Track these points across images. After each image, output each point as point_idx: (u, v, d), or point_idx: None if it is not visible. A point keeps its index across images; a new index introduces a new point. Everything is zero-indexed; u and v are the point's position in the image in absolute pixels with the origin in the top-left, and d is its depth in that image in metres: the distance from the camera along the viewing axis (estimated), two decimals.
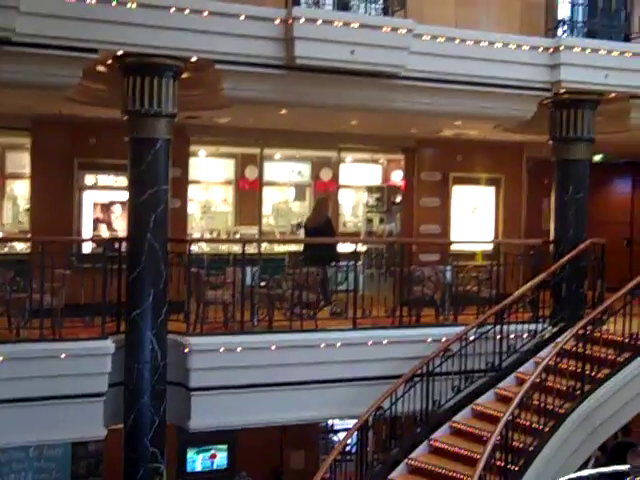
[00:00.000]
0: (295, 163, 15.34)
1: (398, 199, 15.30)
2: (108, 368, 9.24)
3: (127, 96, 9.24)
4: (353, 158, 15.23)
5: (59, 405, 9.03)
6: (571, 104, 11.19)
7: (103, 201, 12.55)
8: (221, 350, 9.58)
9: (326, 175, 15.10)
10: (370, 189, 15.79)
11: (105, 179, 12.67)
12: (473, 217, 14.85)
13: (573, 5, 11.20)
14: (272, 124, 12.54)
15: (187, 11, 8.97)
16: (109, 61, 9.29)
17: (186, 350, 9.47)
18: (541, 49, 10.73)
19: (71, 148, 12.17)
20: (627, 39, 11.32)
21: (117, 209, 12.49)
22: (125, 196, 9.69)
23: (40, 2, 8.37)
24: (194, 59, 9.24)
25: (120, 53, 8.97)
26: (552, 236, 11.50)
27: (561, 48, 10.64)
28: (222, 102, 10.00)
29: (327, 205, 12.92)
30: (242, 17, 9.24)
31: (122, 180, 11.85)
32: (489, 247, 13.51)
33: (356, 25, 9.57)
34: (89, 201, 12.45)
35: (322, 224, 12.27)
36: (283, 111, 10.88)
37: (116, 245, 9.86)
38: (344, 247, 12.42)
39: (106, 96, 10.07)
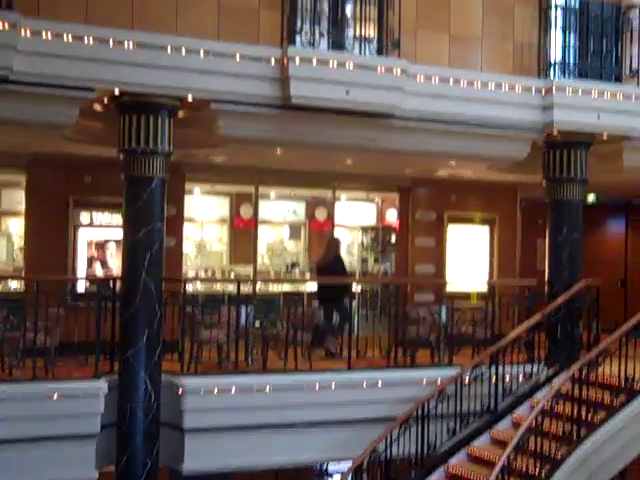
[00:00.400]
0: (290, 202, 15.39)
1: (393, 239, 15.31)
2: (101, 409, 9.13)
3: (123, 134, 9.28)
4: (348, 197, 15.26)
5: (50, 446, 8.90)
6: (564, 145, 11.26)
7: (98, 239, 12.51)
8: (215, 391, 9.49)
9: (321, 214, 15.14)
10: (365, 229, 15.81)
11: (100, 217, 12.65)
12: (468, 257, 14.83)
13: (565, 47, 11.29)
14: (267, 163, 12.58)
15: (184, 51, 9.04)
16: (105, 100, 9.33)
17: (180, 391, 9.38)
18: (534, 90, 10.82)
19: (66, 186, 12.16)
20: (618, 81, 11.42)
21: (112, 247, 12.45)
22: (120, 234, 9.67)
23: (38, 41, 8.43)
24: (190, 98, 9.29)
25: (117, 92, 9.01)
26: (547, 277, 11.50)
27: (553, 89, 10.74)
28: (218, 141, 10.03)
29: (338, 245, 13.00)
30: (238, 57, 9.30)
31: (117, 218, 11.83)
32: (484, 287, 13.48)
33: (351, 65, 9.63)
34: (84, 239, 12.41)
35: (332, 263, 12.31)
36: (278, 150, 10.92)
37: (111, 284, 9.81)
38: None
39: (102, 134, 10.09)
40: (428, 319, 11.26)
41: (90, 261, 12.41)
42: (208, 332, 10.12)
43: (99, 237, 12.51)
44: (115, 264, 12.13)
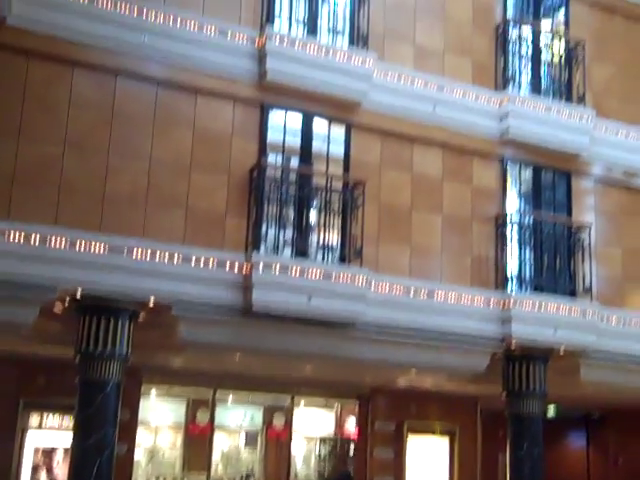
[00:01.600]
0: (248, 407, 15.04)
1: (351, 449, 14.91)
2: None
3: (81, 336, 9.16)
4: (306, 404, 14.99)
5: None
6: (523, 358, 11.38)
7: (45, 445, 11.99)
8: None
9: (279, 421, 14.78)
10: (323, 439, 15.40)
11: (51, 420, 12.21)
12: (428, 469, 14.45)
13: (521, 262, 11.65)
14: (226, 367, 12.42)
15: (149, 254, 9.15)
16: (67, 301, 9.27)
17: None
18: (492, 303, 11.05)
19: (18, 387, 11.84)
20: (573, 295, 11.71)
21: (59, 454, 11.93)
22: (70, 439, 9.28)
23: (4, 243, 8.50)
24: (152, 302, 9.28)
25: (79, 294, 8.98)
26: None
27: (510, 303, 10.98)
28: (178, 345, 9.91)
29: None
30: (202, 262, 9.44)
31: (69, 421, 11.44)
32: None
33: (313, 273, 9.79)
34: (31, 443, 11.90)
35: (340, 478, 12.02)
36: (237, 356, 10.81)
37: None
38: None
39: (59, 335, 9.95)
40: None
41: (36, 469, 11.83)
42: None
43: (48, 442, 12.00)
44: (62, 471, 11.56)
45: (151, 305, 9.29)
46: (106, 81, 9.43)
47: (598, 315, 11.48)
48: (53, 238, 8.71)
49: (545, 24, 12.70)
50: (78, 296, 9.00)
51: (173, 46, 9.72)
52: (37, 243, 8.64)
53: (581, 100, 12.33)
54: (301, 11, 10.75)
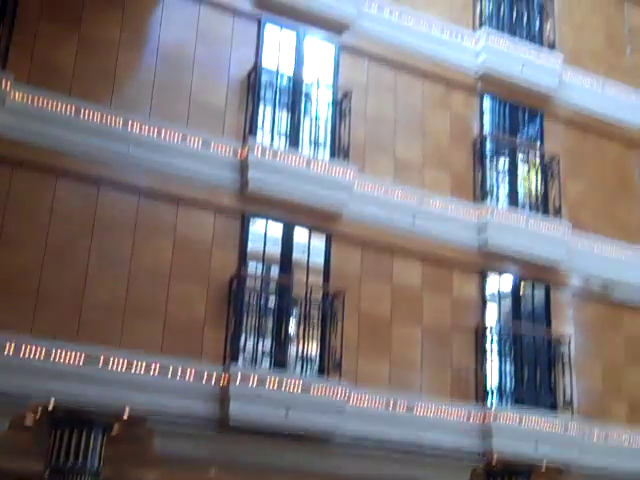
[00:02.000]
0: None
1: None
2: None
3: (52, 449, 8.90)
4: None
5: None
6: (504, 473, 11.15)
7: None
8: None
9: None
10: None
11: None
12: None
13: (501, 374, 11.56)
14: None
15: (125, 365, 8.99)
16: (39, 412, 9.03)
17: None
18: (472, 417, 10.91)
19: None
20: (554, 408, 11.60)
21: None
22: None
23: None
24: (127, 415, 9.05)
25: (51, 406, 8.75)
26: None
27: (491, 417, 10.86)
28: (151, 459, 9.62)
29: None
30: (179, 373, 9.30)
31: None
32: None
33: (291, 386, 9.64)
34: None
35: None
36: (213, 471, 10.50)
37: None
38: None
39: (29, 448, 9.62)
40: None
41: None
42: None
43: None
44: None
45: (125, 417, 9.07)
46: (89, 190, 9.49)
47: (580, 430, 11.35)
48: (28, 347, 8.58)
49: (521, 139, 13.02)
50: (50, 407, 8.77)
51: (157, 157, 9.85)
52: (11, 352, 8.50)
53: (557, 213, 12.53)
54: (283, 123, 10.95)
